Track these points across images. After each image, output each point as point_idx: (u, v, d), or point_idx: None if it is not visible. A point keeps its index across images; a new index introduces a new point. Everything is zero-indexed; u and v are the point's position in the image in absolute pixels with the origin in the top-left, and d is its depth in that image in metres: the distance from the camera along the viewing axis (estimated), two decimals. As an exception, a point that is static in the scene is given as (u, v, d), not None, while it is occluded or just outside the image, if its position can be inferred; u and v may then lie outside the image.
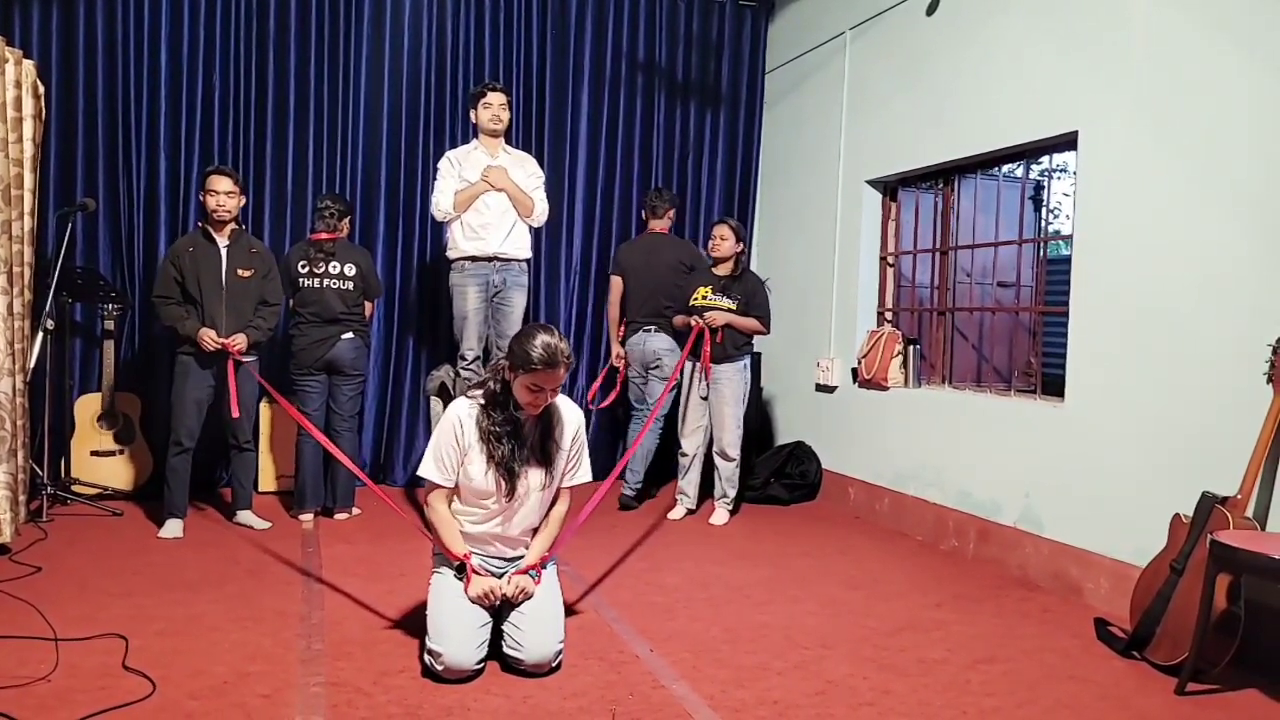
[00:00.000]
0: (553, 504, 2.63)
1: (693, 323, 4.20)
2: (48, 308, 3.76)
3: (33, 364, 3.74)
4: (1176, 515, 2.69)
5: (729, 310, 4.19)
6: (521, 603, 2.44)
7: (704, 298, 4.26)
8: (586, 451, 2.65)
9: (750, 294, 4.25)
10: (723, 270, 4.30)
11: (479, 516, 2.52)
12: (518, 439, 2.46)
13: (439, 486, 2.51)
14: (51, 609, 2.68)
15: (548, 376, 2.35)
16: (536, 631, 2.38)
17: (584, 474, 2.63)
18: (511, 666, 2.41)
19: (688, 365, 4.31)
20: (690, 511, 4.40)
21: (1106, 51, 3.24)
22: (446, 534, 2.50)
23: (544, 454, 2.50)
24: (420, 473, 2.55)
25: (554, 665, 2.41)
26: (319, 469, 4.08)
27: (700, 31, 5.39)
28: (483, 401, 2.47)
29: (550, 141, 5.11)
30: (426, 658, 2.37)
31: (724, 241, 4.25)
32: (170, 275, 3.74)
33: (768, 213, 5.53)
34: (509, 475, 2.44)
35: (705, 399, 4.28)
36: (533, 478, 2.50)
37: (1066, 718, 2.28)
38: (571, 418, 2.58)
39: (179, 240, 3.93)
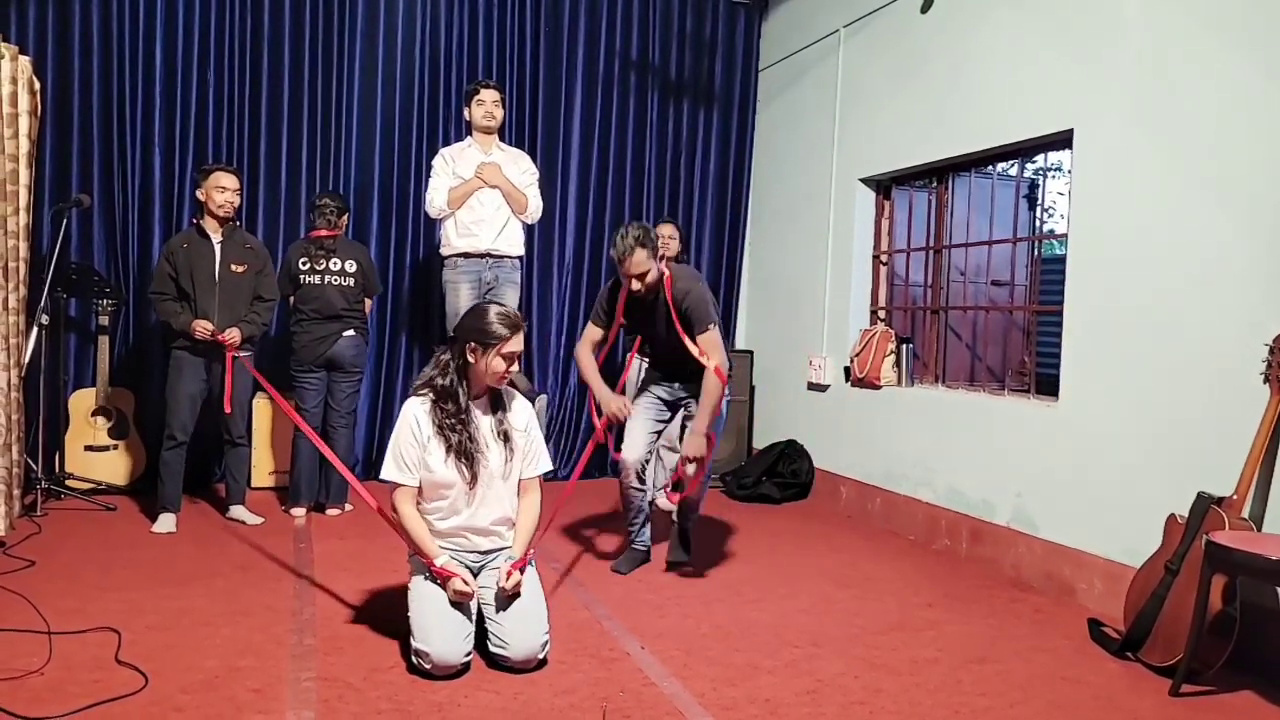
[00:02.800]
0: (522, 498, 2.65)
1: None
2: (42, 303, 3.76)
3: (27, 359, 3.73)
4: (1172, 515, 2.69)
5: None
6: (514, 597, 2.46)
7: None
8: (542, 440, 2.72)
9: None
10: None
11: (445, 510, 2.54)
12: (471, 425, 2.53)
13: (403, 487, 2.53)
14: (44, 602, 2.67)
15: (517, 340, 2.47)
16: (520, 627, 2.40)
17: (544, 463, 2.69)
18: (498, 664, 2.41)
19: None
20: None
21: (1102, 49, 3.24)
22: (417, 535, 2.51)
23: (500, 435, 2.57)
24: (383, 476, 2.57)
25: (541, 659, 2.42)
26: (315, 465, 4.09)
27: (693, 29, 5.40)
28: (433, 397, 2.53)
29: (543, 139, 5.12)
30: (414, 658, 2.37)
31: (673, 241, 4.34)
32: (165, 272, 3.75)
33: (760, 211, 5.54)
34: (469, 460, 2.49)
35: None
36: (493, 461, 2.54)
37: (1059, 718, 2.28)
38: (521, 402, 2.68)
39: (174, 237, 3.93)
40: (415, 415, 2.52)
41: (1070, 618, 3.03)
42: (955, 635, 2.84)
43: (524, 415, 2.65)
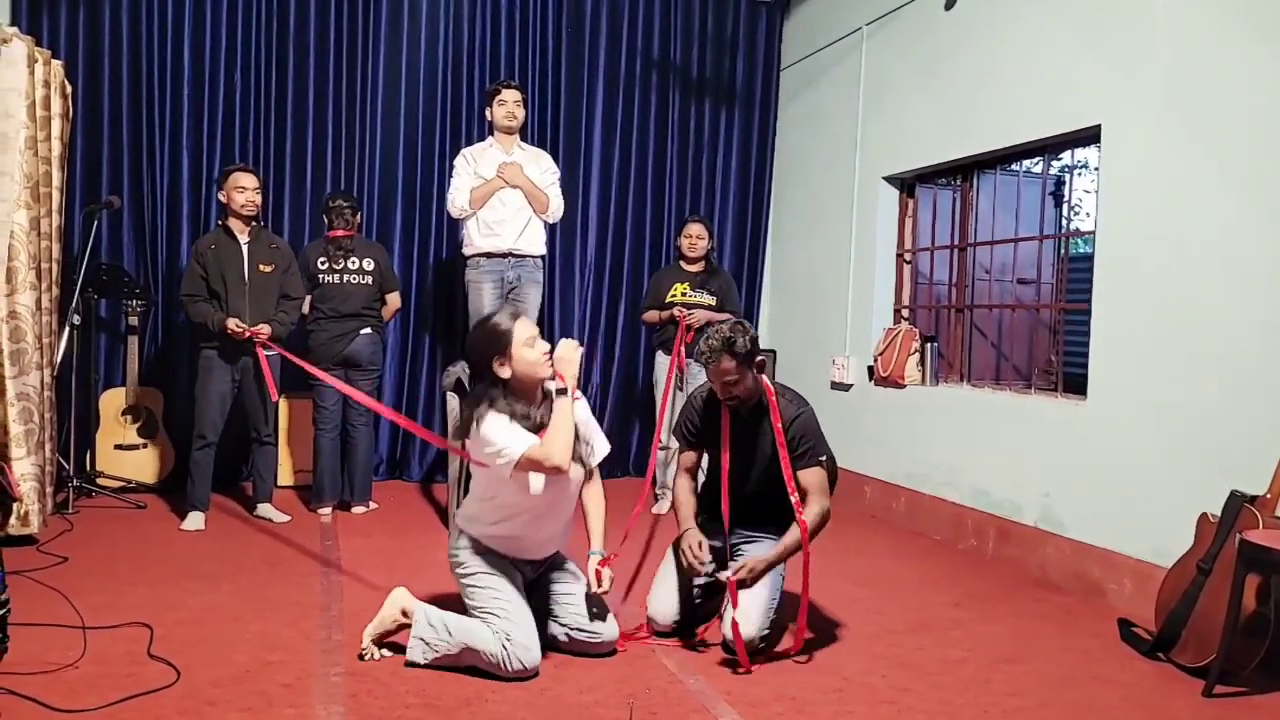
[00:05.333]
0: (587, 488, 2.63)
1: (676, 314, 4.26)
2: (74, 304, 3.82)
3: (59, 359, 3.79)
4: (1204, 514, 2.65)
5: (709, 307, 4.30)
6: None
7: (682, 294, 4.34)
8: (596, 426, 2.63)
9: (726, 289, 4.41)
10: (696, 267, 4.41)
11: (527, 515, 2.45)
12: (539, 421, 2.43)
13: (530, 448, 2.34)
14: (78, 597, 2.71)
15: (524, 324, 2.40)
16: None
17: (602, 446, 2.61)
18: (572, 650, 2.50)
19: (664, 360, 4.36)
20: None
21: (1129, 43, 3.21)
22: (566, 437, 2.35)
23: None
24: (512, 452, 2.32)
25: (616, 647, 2.54)
26: (336, 463, 4.12)
27: (715, 28, 5.39)
28: (499, 407, 2.38)
29: (565, 139, 5.13)
30: (503, 647, 2.28)
31: (700, 240, 4.38)
32: (195, 273, 3.80)
33: (783, 210, 5.52)
34: None
35: (682, 390, 4.30)
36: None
37: (1090, 719, 2.26)
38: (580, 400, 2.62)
39: (201, 238, 3.98)
40: (504, 420, 2.36)
41: (1099, 618, 2.99)
42: (983, 635, 2.81)
43: (582, 407, 2.56)
